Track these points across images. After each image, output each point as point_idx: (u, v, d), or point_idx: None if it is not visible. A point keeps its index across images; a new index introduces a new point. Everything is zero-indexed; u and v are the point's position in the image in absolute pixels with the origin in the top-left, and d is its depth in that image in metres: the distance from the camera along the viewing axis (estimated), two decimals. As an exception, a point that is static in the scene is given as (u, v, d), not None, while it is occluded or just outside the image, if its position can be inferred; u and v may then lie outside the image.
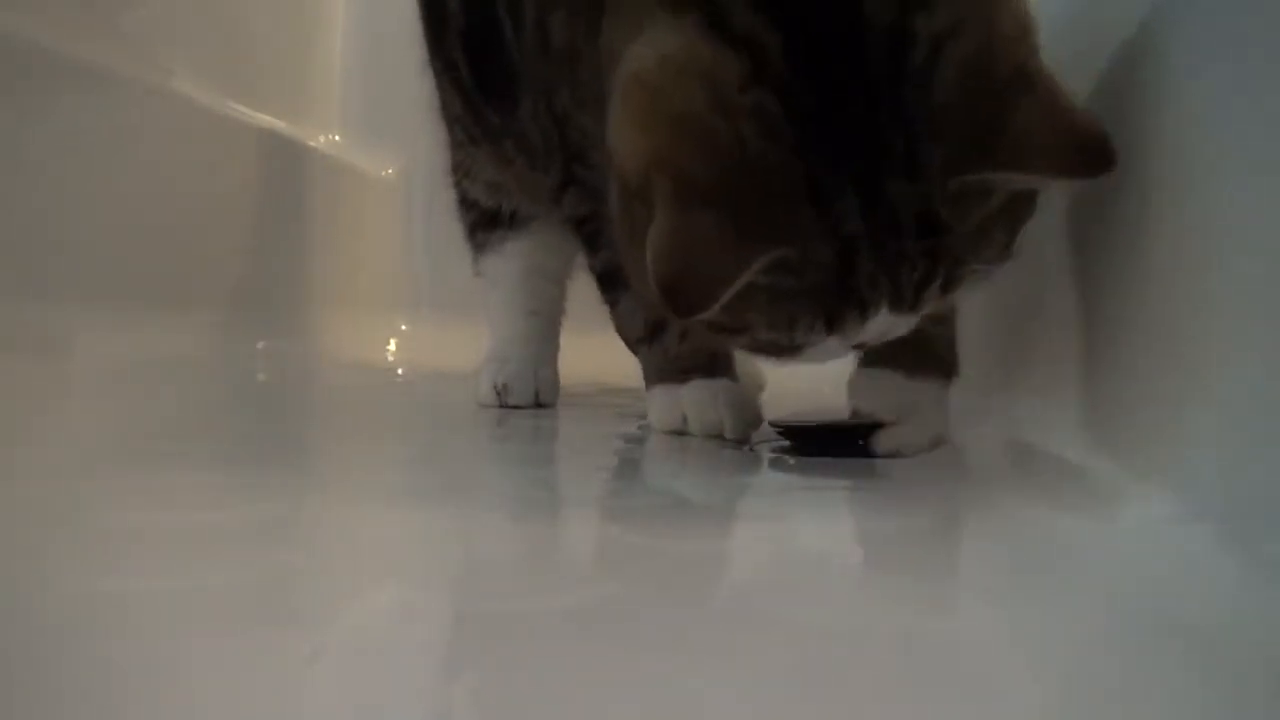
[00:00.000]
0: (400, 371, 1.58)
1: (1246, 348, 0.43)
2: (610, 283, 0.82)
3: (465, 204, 1.07)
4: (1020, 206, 0.52)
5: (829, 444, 0.69)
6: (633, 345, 0.83)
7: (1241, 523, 0.39)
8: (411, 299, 1.76)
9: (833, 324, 0.53)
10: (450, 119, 1.02)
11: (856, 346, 0.58)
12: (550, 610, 0.36)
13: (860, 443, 0.69)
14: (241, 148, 1.35)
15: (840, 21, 0.50)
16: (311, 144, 1.62)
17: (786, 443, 0.73)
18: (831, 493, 0.60)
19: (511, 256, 1.04)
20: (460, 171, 1.06)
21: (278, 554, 0.43)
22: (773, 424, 0.75)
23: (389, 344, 1.71)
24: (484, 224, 1.05)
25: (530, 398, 0.99)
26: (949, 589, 0.40)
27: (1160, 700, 0.30)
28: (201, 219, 1.25)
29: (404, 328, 1.73)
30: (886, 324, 0.54)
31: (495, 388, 0.99)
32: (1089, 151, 0.48)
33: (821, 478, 0.64)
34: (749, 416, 0.76)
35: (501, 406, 0.98)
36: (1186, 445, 0.45)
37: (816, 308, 0.53)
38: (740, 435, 0.75)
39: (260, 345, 1.31)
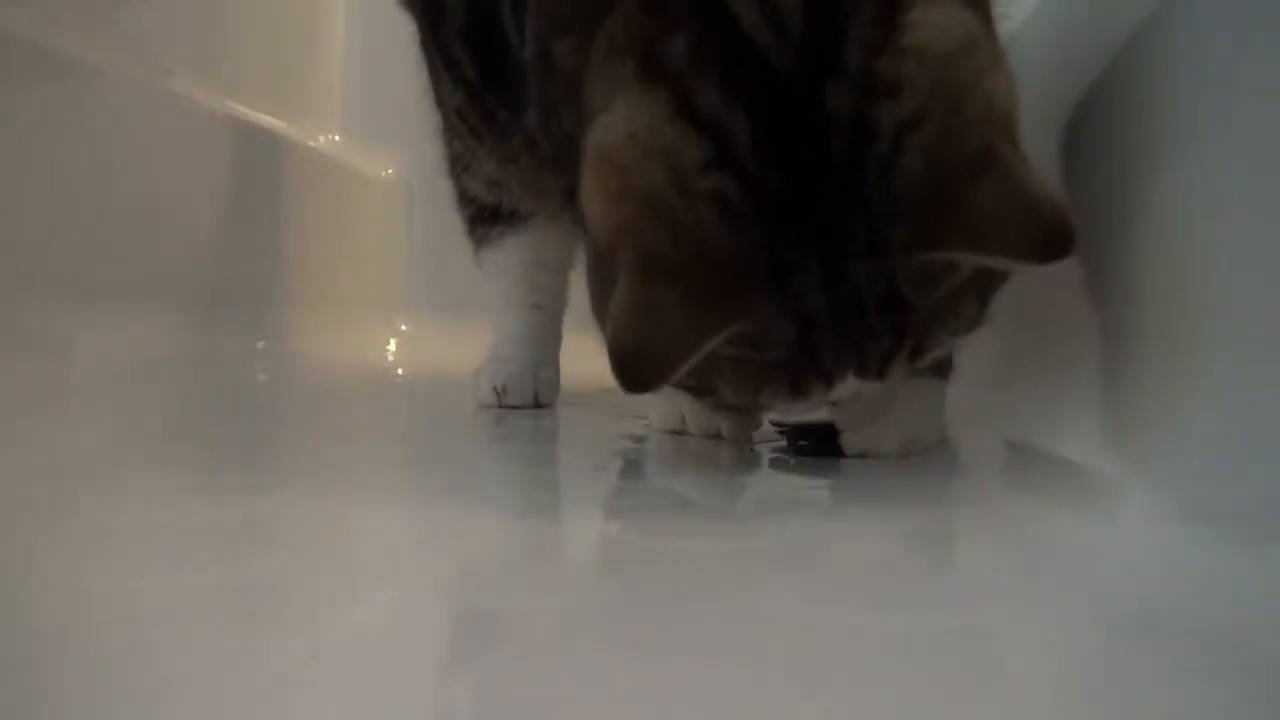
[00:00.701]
0: (400, 371, 1.58)
1: (1247, 347, 0.43)
2: None
3: (465, 199, 1.06)
4: (990, 278, 0.52)
5: (829, 443, 0.69)
6: None
7: (1241, 523, 0.39)
8: (411, 299, 1.76)
9: (797, 391, 0.54)
10: (450, 109, 1.01)
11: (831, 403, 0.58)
12: (550, 610, 0.36)
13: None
14: (241, 148, 1.35)
15: (804, 109, 0.50)
16: (311, 144, 1.62)
17: (786, 442, 0.73)
18: (831, 492, 0.60)
19: (512, 250, 1.03)
20: (460, 165, 1.04)
21: (277, 553, 0.43)
22: (773, 423, 0.75)
23: (389, 344, 1.71)
24: (483, 219, 1.05)
25: (529, 398, 0.99)
26: (949, 588, 0.40)
27: (1159, 701, 0.30)
28: (201, 219, 1.25)
29: (404, 328, 1.73)
30: (854, 388, 0.54)
31: (495, 389, 0.99)
32: (1044, 236, 0.47)
33: (821, 477, 0.64)
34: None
35: (501, 407, 0.98)
36: (1186, 445, 0.44)
37: (781, 377, 0.53)
38: (739, 435, 0.75)
39: (260, 345, 1.31)
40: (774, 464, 0.69)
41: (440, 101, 1.02)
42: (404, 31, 1.06)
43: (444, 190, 1.09)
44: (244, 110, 1.37)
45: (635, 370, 0.50)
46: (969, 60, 0.50)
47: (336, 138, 1.75)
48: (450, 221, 1.10)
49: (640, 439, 0.81)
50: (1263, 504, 0.39)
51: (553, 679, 0.30)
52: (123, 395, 0.95)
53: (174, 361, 1.10)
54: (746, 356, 0.52)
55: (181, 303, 1.18)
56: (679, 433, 0.78)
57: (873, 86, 0.49)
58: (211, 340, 1.20)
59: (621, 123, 0.52)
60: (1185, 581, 0.39)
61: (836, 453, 0.69)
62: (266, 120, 1.44)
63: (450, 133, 1.03)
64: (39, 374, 0.92)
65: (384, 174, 1.79)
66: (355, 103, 1.77)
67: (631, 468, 0.74)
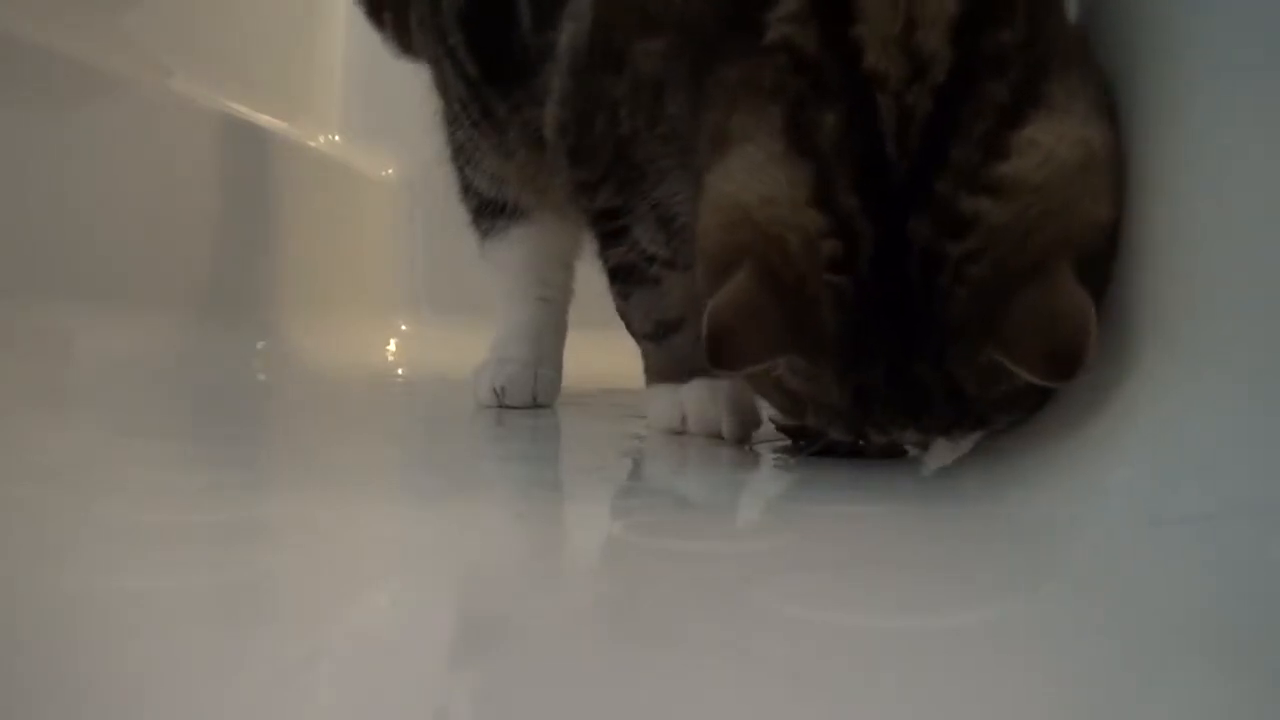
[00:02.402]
0: (400, 371, 1.58)
1: (1246, 347, 0.43)
2: (624, 277, 0.81)
3: (468, 191, 1.05)
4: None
5: (829, 443, 0.69)
6: (638, 339, 0.83)
7: (1241, 523, 0.39)
8: (411, 299, 1.76)
9: (855, 435, 0.60)
10: (454, 98, 1.00)
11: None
12: (550, 609, 0.36)
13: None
14: (241, 148, 1.35)
15: (902, 227, 0.52)
16: (311, 144, 1.62)
17: (787, 442, 0.73)
18: (831, 492, 0.60)
19: (517, 242, 1.03)
20: (463, 156, 1.03)
21: (277, 553, 0.43)
22: (772, 420, 0.75)
23: (389, 344, 1.71)
24: (487, 211, 1.04)
25: (528, 399, 0.99)
26: (949, 588, 0.40)
27: (1158, 701, 0.30)
28: (201, 219, 1.25)
29: (404, 328, 1.74)
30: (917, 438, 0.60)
31: (494, 389, 0.99)
32: (1053, 354, 0.50)
33: (821, 477, 0.64)
34: (748, 417, 0.76)
35: (501, 407, 0.98)
36: (1186, 445, 0.44)
37: (842, 424, 0.59)
38: (739, 435, 0.75)
39: (260, 345, 1.31)
40: (774, 464, 0.69)
41: (444, 89, 1.01)
42: (404, 32, 1.06)
43: (444, 191, 1.09)
44: (244, 110, 1.37)
45: (722, 348, 0.54)
46: (1067, 189, 0.51)
47: (336, 138, 1.75)
48: (450, 222, 1.10)
49: (641, 439, 0.81)
50: (1262, 504, 0.39)
51: (553, 678, 0.30)
52: (123, 395, 0.95)
53: (174, 361, 1.10)
54: (817, 399, 0.57)
55: (181, 303, 1.18)
56: (677, 432, 0.78)
57: (945, 223, 0.51)
58: (211, 340, 1.20)
59: (759, 181, 0.54)
60: (1185, 581, 0.39)
61: (836, 453, 0.69)
62: (266, 120, 1.44)
63: (454, 123, 1.02)
64: (39, 374, 0.92)
65: (384, 174, 1.79)
66: (355, 103, 1.78)
67: (632, 468, 0.74)
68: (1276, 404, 0.41)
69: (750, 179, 0.55)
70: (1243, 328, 0.44)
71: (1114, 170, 0.53)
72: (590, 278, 1.06)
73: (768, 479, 0.67)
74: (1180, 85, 0.50)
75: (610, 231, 0.80)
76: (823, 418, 0.59)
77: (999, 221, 0.51)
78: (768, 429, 0.76)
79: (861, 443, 0.69)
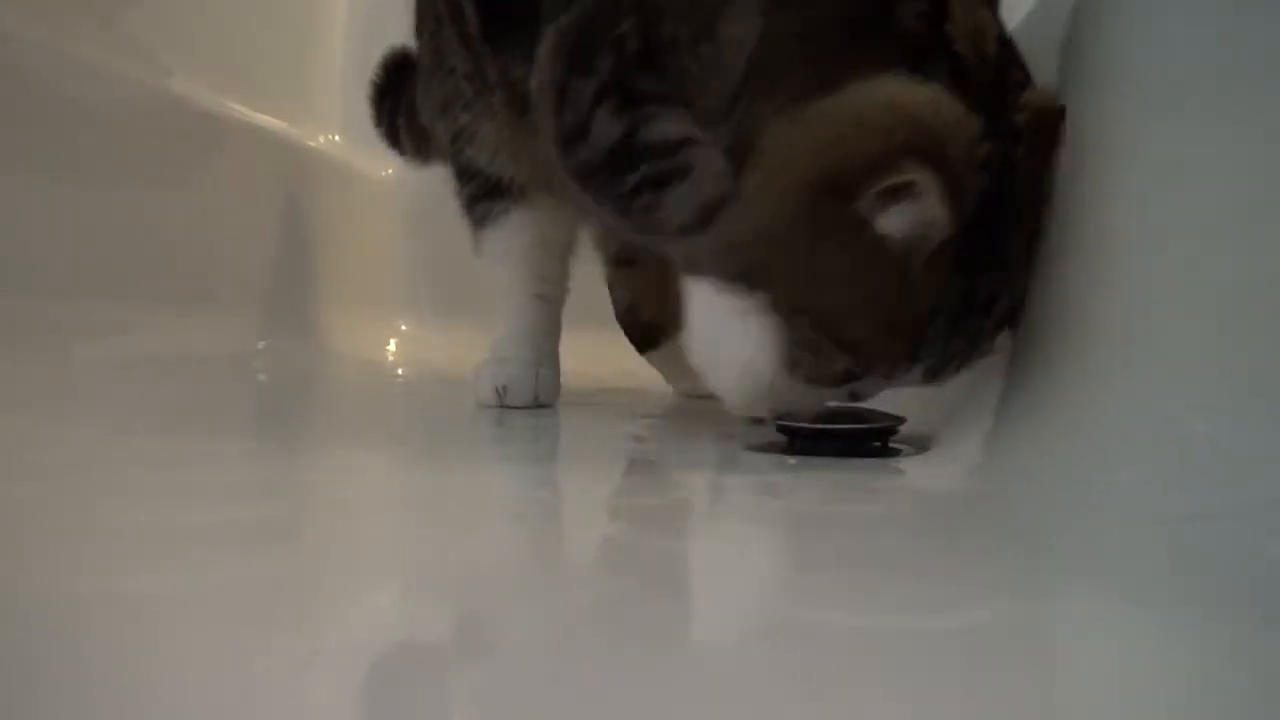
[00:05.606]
0: (400, 371, 1.58)
1: (1245, 349, 0.43)
2: (650, 186, 0.73)
3: (467, 174, 1.04)
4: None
5: (828, 444, 0.70)
6: (671, 239, 0.75)
7: (1241, 523, 0.39)
8: (411, 299, 1.76)
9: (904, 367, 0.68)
10: (460, 76, 0.99)
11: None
12: (550, 610, 0.36)
13: (863, 443, 0.69)
14: (241, 148, 1.35)
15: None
16: (311, 144, 1.62)
17: (785, 442, 0.73)
18: (829, 492, 0.60)
19: (514, 230, 1.02)
20: (464, 138, 1.02)
21: (277, 554, 0.43)
22: (773, 420, 0.75)
23: (389, 344, 1.71)
24: (484, 195, 1.03)
25: (529, 398, 0.99)
26: (948, 588, 0.40)
27: (1158, 701, 0.30)
28: (201, 219, 1.25)
29: (404, 328, 1.74)
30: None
31: (495, 389, 0.98)
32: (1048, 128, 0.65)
33: (819, 477, 0.64)
34: None
35: (501, 407, 0.98)
36: (1186, 445, 0.45)
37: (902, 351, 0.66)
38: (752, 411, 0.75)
39: (260, 345, 1.31)
40: (773, 464, 0.69)
41: (450, 71, 1.01)
42: (404, 32, 1.06)
43: (444, 190, 1.09)
44: (244, 110, 1.37)
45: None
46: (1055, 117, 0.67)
47: (336, 138, 1.75)
48: (450, 222, 1.10)
49: (640, 438, 0.81)
50: (1262, 504, 0.39)
51: (552, 678, 0.30)
52: (123, 395, 0.95)
53: (174, 360, 1.10)
54: (886, 319, 0.64)
55: (181, 302, 1.18)
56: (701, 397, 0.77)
57: (1010, 137, 0.66)
58: (211, 340, 1.20)
59: (917, 92, 0.63)
60: (1184, 582, 0.39)
61: (835, 453, 0.69)
62: (266, 120, 1.44)
63: (457, 102, 1.01)
64: (39, 374, 0.92)
65: (384, 174, 1.79)
66: (355, 103, 1.77)
67: (632, 468, 0.74)
68: (1276, 404, 0.41)
69: (905, 92, 0.63)
70: (1241, 328, 0.44)
71: None
72: (586, 277, 1.06)
73: (768, 479, 0.67)
74: (1155, 88, 0.50)
75: (616, 168, 0.74)
76: (874, 354, 0.66)
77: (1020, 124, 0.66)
78: (769, 428, 0.76)
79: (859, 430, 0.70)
